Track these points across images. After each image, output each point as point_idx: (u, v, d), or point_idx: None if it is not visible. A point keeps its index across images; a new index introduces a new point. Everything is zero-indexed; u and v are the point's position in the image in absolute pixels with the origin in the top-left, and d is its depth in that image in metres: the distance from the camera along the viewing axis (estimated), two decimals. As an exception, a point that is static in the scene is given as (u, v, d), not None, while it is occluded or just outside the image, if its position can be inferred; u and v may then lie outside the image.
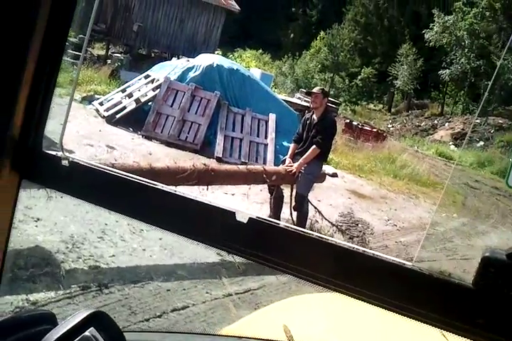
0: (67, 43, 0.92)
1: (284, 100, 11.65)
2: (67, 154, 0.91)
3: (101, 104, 9.90)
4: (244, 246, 0.78)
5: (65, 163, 0.90)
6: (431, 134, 23.29)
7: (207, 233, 0.82)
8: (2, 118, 0.86)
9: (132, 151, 7.85)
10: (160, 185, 0.86)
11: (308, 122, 5.79)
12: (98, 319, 0.71)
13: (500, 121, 22.38)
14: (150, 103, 9.53)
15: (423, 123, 25.11)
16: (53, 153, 0.92)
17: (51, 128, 0.94)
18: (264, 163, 8.98)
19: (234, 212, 0.77)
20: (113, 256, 4.00)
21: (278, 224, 0.78)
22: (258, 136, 9.61)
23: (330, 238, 0.74)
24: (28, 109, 0.89)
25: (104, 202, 0.92)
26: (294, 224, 5.52)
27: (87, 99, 10.34)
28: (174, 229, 0.86)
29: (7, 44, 0.83)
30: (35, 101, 0.89)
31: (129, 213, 0.92)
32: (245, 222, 0.77)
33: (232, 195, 6.45)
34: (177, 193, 0.85)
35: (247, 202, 5.67)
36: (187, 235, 0.84)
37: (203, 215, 0.82)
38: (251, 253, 0.77)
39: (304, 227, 5.48)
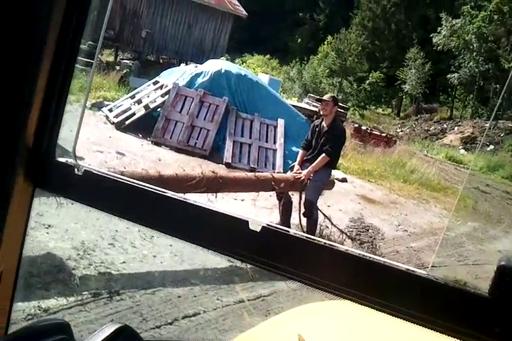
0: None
1: (292, 105, 11.63)
2: (79, 162, 0.92)
3: (110, 110, 9.95)
4: (258, 255, 0.78)
5: (77, 171, 0.90)
6: (440, 138, 23.17)
7: (220, 241, 0.82)
8: (16, 126, 0.87)
9: (142, 157, 7.87)
10: (171, 193, 0.86)
11: (317, 129, 5.73)
12: (124, 333, 0.71)
13: (510, 125, 22.23)
14: (159, 109, 9.57)
15: (432, 127, 24.99)
16: (66, 161, 0.92)
17: (62, 135, 0.95)
18: (273, 168, 8.97)
19: (247, 221, 0.77)
20: (124, 262, 4.00)
21: (291, 232, 0.77)
22: (267, 142, 9.59)
23: (344, 247, 0.74)
24: (41, 118, 0.90)
25: (117, 210, 0.93)
26: (304, 230, 5.51)
27: (97, 106, 10.37)
28: (186, 238, 0.86)
29: (19, 53, 0.84)
30: (48, 110, 0.90)
31: (141, 221, 0.92)
32: (258, 230, 0.76)
33: (242, 200, 6.45)
34: (189, 201, 0.85)
35: (257, 208, 5.66)
36: (199, 243, 0.84)
37: (215, 223, 0.82)
38: (264, 261, 0.77)
39: (314, 233, 5.47)
